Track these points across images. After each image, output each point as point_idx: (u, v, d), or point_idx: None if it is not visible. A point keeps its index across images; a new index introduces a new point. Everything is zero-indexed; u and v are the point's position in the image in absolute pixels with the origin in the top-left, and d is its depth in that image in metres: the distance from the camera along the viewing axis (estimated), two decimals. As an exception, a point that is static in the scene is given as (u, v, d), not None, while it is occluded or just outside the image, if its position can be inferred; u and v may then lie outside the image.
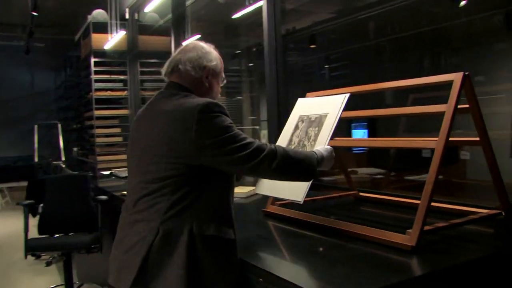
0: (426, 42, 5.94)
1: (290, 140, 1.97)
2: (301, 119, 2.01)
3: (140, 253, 1.40)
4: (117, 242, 1.55)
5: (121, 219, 1.59)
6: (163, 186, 1.43)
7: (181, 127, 1.43)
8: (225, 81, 1.72)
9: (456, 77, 1.65)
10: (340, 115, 1.79)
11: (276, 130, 3.37)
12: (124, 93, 6.39)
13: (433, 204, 2.05)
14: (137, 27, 6.27)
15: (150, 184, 1.47)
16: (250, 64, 8.68)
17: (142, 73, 6.48)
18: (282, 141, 2.00)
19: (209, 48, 1.66)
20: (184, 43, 1.69)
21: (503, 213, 1.85)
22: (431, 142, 1.63)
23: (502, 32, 5.06)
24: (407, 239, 1.54)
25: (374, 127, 6.67)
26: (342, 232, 1.75)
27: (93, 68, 6.31)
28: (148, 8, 4.58)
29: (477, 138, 1.77)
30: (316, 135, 1.83)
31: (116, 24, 5.77)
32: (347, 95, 1.81)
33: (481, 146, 1.77)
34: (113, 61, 6.53)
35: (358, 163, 5.21)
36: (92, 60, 6.39)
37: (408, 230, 1.59)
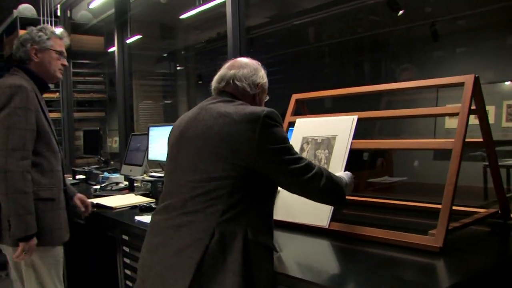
0: (366, 48, 6.16)
1: None
2: (306, 140, 2.02)
3: (195, 256, 1.33)
4: (156, 246, 1.47)
5: (161, 221, 1.50)
6: (220, 187, 1.39)
7: (245, 128, 1.41)
8: (267, 98, 1.76)
9: (467, 80, 1.68)
10: (352, 138, 1.86)
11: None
12: (56, 95, 5.96)
13: (418, 204, 2.16)
14: (70, 26, 5.89)
15: (205, 183, 1.42)
16: (179, 68, 8.51)
17: (75, 74, 6.09)
18: None
19: (258, 65, 1.70)
20: (236, 59, 1.72)
21: (499, 211, 1.92)
22: (448, 143, 1.65)
23: (438, 42, 5.37)
24: (432, 240, 1.54)
25: None
26: (356, 236, 1.72)
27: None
28: (93, 5, 4.31)
29: (481, 139, 1.82)
30: (328, 158, 1.88)
31: (50, 21, 5.37)
32: (355, 117, 1.89)
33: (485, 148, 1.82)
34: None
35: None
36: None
37: (430, 231, 1.59)
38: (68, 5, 5.79)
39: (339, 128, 1.92)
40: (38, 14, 5.72)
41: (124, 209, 2.56)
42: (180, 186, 1.48)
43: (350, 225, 1.78)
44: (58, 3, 5.72)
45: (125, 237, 2.26)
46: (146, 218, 2.21)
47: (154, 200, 2.80)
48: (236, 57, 3.27)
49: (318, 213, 1.83)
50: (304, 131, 2.06)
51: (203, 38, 7.84)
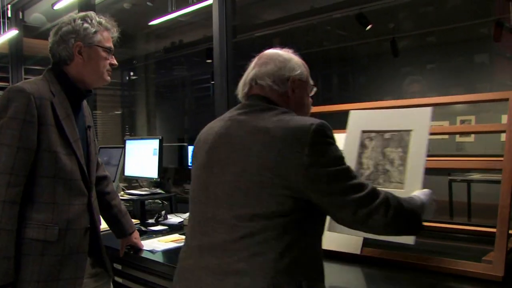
0: (333, 61, 6.15)
1: (360, 163, 1.64)
2: (368, 136, 1.67)
3: None
4: None
5: (195, 268, 1.20)
6: (267, 227, 1.11)
7: (289, 149, 1.13)
8: (315, 89, 1.42)
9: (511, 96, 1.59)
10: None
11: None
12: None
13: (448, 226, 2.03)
14: (22, 28, 5.45)
15: (247, 222, 1.13)
16: (134, 77, 8.19)
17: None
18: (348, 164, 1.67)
19: (288, 54, 1.37)
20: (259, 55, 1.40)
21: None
22: (497, 163, 1.55)
23: (406, 56, 5.44)
24: (491, 268, 1.42)
25: None
26: (394, 262, 1.58)
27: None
28: (58, 6, 3.95)
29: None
30: (403, 158, 1.56)
31: (1, 22, 4.93)
32: (432, 108, 1.57)
33: None
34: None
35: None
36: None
37: (485, 258, 1.48)
38: (20, 6, 5.35)
39: (414, 121, 1.58)
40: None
41: (106, 232, 2.24)
42: (215, 223, 1.19)
43: (384, 250, 1.64)
44: (9, 3, 5.28)
45: (118, 266, 1.99)
46: (145, 244, 1.97)
47: (138, 221, 2.54)
48: (222, 63, 3.15)
49: (347, 240, 1.66)
50: (364, 124, 1.69)
51: (160, 48, 7.59)
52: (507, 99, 1.59)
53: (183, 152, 6.80)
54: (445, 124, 4.27)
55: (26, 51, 5.56)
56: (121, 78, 8.22)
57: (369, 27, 5.23)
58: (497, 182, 1.66)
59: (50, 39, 1.67)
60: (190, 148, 6.56)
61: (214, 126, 1.34)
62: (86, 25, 1.63)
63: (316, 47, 6.14)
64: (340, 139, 1.85)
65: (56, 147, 1.54)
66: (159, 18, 4.24)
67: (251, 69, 1.36)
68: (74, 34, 1.62)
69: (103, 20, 1.68)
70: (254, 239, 1.11)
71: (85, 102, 1.78)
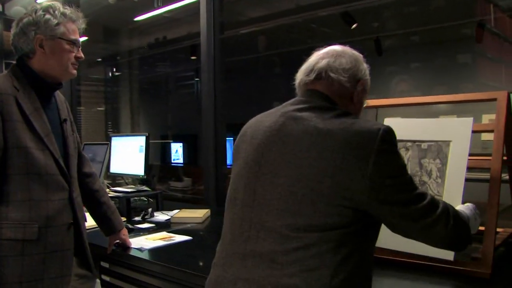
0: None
1: None
2: (403, 145, 1.62)
3: None
4: None
5: (238, 279, 1.09)
6: (323, 239, 1.02)
7: (353, 156, 1.04)
8: (366, 103, 1.33)
9: (500, 96, 1.61)
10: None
11: (212, 146, 3.08)
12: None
13: None
14: (2, 22, 5.35)
15: (302, 233, 1.03)
16: (117, 73, 8.10)
17: (8, 75, 5.53)
18: None
19: (359, 55, 1.28)
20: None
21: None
22: (485, 162, 1.57)
23: (391, 55, 5.48)
24: (478, 265, 1.44)
25: (195, 142, 6.73)
26: (391, 261, 1.58)
27: None
28: (41, -1, 3.89)
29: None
30: (442, 170, 1.52)
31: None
32: (472, 119, 1.53)
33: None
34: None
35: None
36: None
37: (473, 255, 1.50)
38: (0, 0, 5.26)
39: (454, 131, 1.53)
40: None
41: (92, 229, 2.20)
42: (262, 230, 1.08)
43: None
44: (-12, -4, 5.18)
45: (105, 264, 1.97)
46: (133, 242, 1.95)
47: (125, 219, 2.51)
48: (209, 59, 3.13)
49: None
50: (400, 133, 1.60)
51: (144, 44, 7.51)
52: (495, 99, 1.61)
53: (166, 149, 6.78)
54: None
55: (7, 44, 5.46)
56: (105, 74, 8.13)
57: (354, 25, 5.26)
58: (483, 180, 1.69)
59: (12, 30, 1.59)
60: (174, 145, 6.55)
61: (264, 120, 1.22)
62: (48, 16, 1.56)
63: (301, 44, 6.15)
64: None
65: (26, 142, 1.49)
66: (145, 13, 4.21)
67: (319, 59, 1.24)
68: (34, 26, 1.55)
69: (68, 11, 1.60)
70: (308, 252, 1.02)
71: (60, 95, 1.73)
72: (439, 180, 1.54)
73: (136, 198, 3.04)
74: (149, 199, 3.18)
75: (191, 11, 5.26)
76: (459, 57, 4.98)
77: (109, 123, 7.32)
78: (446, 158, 1.55)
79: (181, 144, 6.46)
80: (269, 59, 6.67)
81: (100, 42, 6.84)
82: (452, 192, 1.50)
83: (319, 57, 1.25)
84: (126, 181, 3.27)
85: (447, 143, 1.56)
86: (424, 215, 1.08)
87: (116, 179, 3.61)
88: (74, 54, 1.62)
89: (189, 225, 2.39)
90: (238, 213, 1.16)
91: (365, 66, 1.27)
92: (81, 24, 1.66)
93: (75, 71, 1.65)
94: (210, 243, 2.03)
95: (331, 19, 5.39)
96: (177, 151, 6.54)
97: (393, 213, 1.07)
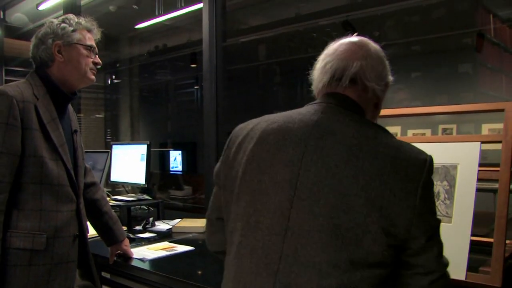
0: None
1: None
2: None
3: None
4: None
5: None
6: (363, 280, 0.91)
7: (402, 188, 0.93)
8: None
9: (508, 106, 1.59)
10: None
11: (214, 154, 3.05)
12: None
13: None
14: (3, 28, 5.34)
15: (342, 271, 0.91)
16: (116, 81, 8.10)
17: (8, 82, 5.51)
18: None
19: (382, 51, 1.18)
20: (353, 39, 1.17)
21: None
22: (493, 173, 1.55)
23: (390, 64, 5.47)
24: (488, 278, 1.42)
25: (195, 150, 6.71)
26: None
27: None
28: (43, 6, 3.87)
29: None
30: (450, 192, 1.52)
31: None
32: (479, 143, 1.53)
33: None
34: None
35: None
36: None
37: (482, 268, 1.48)
38: (1, 6, 5.26)
39: (461, 155, 1.55)
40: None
41: (93, 239, 2.18)
42: (295, 263, 0.93)
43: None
44: (-11, 2, 5.18)
45: (106, 275, 1.94)
46: (134, 252, 1.92)
47: (125, 228, 2.48)
48: (211, 67, 3.10)
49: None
50: None
51: (143, 51, 7.52)
52: (502, 110, 1.60)
53: (166, 157, 6.75)
54: (427, 133, 4.32)
55: (7, 52, 5.45)
56: (104, 81, 8.12)
57: (354, 34, 5.27)
58: (490, 191, 1.67)
59: (31, 44, 1.64)
60: (173, 153, 6.52)
61: (292, 128, 1.03)
62: (64, 24, 1.61)
63: (301, 53, 6.15)
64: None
65: (42, 152, 1.49)
66: (146, 21, 4.20)
67: (350, 60, 1.08)
68: (52, 34, 1.59)
69: (83, 21, 1.65)
70: None
71: (70, 107, 1.73)
72: (447, 202, 1.53)
73: (136, 207, 3.02)
74: (150, 208, 3.15)
75: (191, 19, 5.27)
76: (460, 66, 4.98)
77: (108, 130, 7.30)
78: (454, 180, 1.54)
79: (179, 152, 6.44)
80: (270, 67, 6.67)
81: (100, 49, 6.84)
82: (462, 213, 1.49)
83: (347, 57, 1.09)
84: (126, 189, 3.24)
85: (454, 166, 1.56)
86: (441, 244, 1.01)
87: (116, 187, 3.58)
88: (91, 60, 1.64)
89: (190, 235, 2.37)
90: (263, 241, 0.98)
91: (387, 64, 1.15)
92: (97, 34, 1.70)
93: (93, 77, 1.67)
94: (212, 253, 2.01)
95: (332, 28, 5.39)
96: (175, 159, 6.51)
97: (429, 253, 0.97)
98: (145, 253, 1.95)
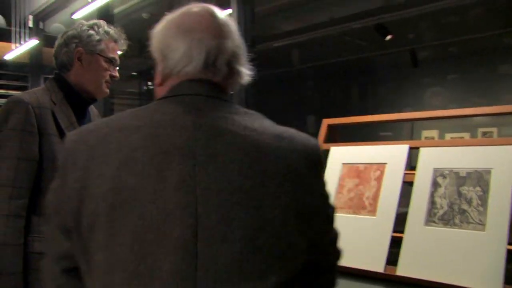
0: (352, 72, 6.09)
1: (432, 202, 1.53)
2: (440, 173, 1.56)
3: None
4: None
5: None
6: None
7: (310, 182, 0.83)
8: None
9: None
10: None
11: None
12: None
13: None
14: (43, 38, 5.51)
15: None
16: (151, 87, 8.22)
17: (47, 90, 5.67)
18: (419, 203, 1.55)
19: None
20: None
21: None
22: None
23: (427, 67, 5.35)
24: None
25: None
26: (428, 284, 1.49)
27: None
28: (77, 15, 3.99)
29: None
30: (483, 198, 1.43)
31: (20, 32, 5.01)
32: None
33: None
34: (11, 74, 5.65)
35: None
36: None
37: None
38: (41, 17, 5.43)
39: (495, 159, 1.47)
40: (9, 25, 5.34)
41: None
42: None
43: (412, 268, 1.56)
44: (30, 14, 5.36)
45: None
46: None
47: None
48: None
49: (371, 255, 1.59)
50: (436, 161, 1.59)
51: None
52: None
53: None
54: (465, 137, 4.18)
55: (46, 60, 5.62)
56: (139, 87, 8.27)
57: (388, 37, 5.17)
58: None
59: (56, 42, 1.64)
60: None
61: (165, 133, 0.79)
62: (91, 32, 1.59)
63: (334, 57, 6.09)
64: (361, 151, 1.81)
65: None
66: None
67: (211, 38, 0.87)
68: (77, 39, 1.59)
69: (111, 31, 1.64)
70: None
71: (94, 110, 1.75)
72: (480, 208, 1.44)
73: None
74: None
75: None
76: (500, 67, 4.81)
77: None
78: (488, 185, 1.45)
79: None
80: (303, 72, 6.63)
81: (135, 56, 6.95)
82: (497, 220, 1.41)
83: (217, 34, 0.89)
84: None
85: (488, 170, 1.48)
86: (336, 264, 0.95)
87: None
88: (109, 73, 1.64)
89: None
90: None
91: None
92: (123, 45, 1.69)
93: (107, 90, 1.66)
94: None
95: (365, 31, 5.31)
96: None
97: (324, 262, 0.90)
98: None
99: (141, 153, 0.77)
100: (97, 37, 1.59)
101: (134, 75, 8.14)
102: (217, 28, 0.89)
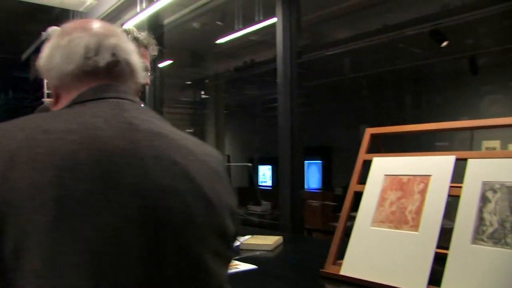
0: (406, 80, 5.90)
1: (481, 218, 1.41)
2: (490, 187, 1.45)
3: None
4: None
5: None
6: None
7: (227, 185, 0.82)
8: None
9: None
10: None
11: (289, 168, 2.98)
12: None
13: None
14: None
15: None
16: (204, 96, 8.34)
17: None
18: (465, 219, 1.44)
19: None
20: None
21: None
22: None
23: (487, 74, 5.09)
24: None
25: (329, 158, 6.52)
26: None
27: (46, 91, 5.61)
28: (126, 26, 4.10)
29: None
30: None
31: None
32: None
33: None
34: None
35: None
36: (46, 81, 5.70)
37: None
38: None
39: None
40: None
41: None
42: None
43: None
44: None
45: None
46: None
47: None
48: (285, 82, 3.05)
49: (412, 273, 1.49)
50: (485, 173, 1.48)
51: (231, 67, 7.67)
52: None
53: (255, 172, 6.80)
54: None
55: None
56: (194, 96, 8.40)
57: (444, 43, 4.97)
58: None
59: None
60: (262, 168, 6.55)
61: (114, 154, 0.68)
62: None
63: (388, 66, 5.92)
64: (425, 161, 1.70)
65: None
66: (224, 36, 4.26)
67: (104, 36, 0.82)
68: None
69: (141, 37, 1.62)
70: None
71: None
72: None
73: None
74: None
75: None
76: None
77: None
78: None
79: (269, 167, 6.43)
80: (355, 81, 6.49)
81: (188, 66, 7.08)
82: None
83: (104, 35, 0.84)
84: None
85: None
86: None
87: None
88: None
89: (258, 253, 2.30)
90: None
91: None
92: (153, 50, 1.68)
93: (137, 98, 1.64)
94: (275, 274, 1.93)
95: (419, 38, 5.13)
96: (264, 174, 6.53)
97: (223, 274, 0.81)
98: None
99: (85, 186, 0.64)
100: None
101: (188, 84, 8.28)
102: (107, 28, 0.86)
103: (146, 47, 1.64)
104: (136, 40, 1.61)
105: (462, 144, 4.24)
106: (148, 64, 1.65)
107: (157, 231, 0.65)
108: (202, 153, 0.79)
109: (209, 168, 0.77)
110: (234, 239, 0.81)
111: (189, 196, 0.70)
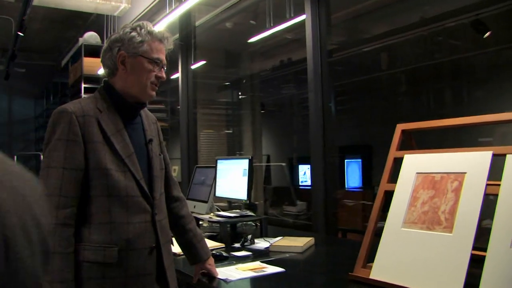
0: (445, 74, 5.67)
1: None
2: None
3: None
4: None
5: None
6: None
7: None
8: None
9: None
10: None
11: (322, 167, 2.90)
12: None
13: None
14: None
15: None
16: (242, 96, 8.31)
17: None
18: (504, 219, 1.34)
19: None
20: None
21: None
22: None
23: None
24: None
25: (369, 156, 6.35)
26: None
27: (83, 95, 5.74)
28: (157, 28, 4.12)
29: None
30: None
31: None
32: None
33: None
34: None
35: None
36: (83, 86, 5.83)
37: None
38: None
39: None
40: (103, 42, 5.67)
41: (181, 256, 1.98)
42: None
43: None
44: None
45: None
46: (221, 272, 1.84)
47: (223, 245, 2.44)
48: (316, 79, 2.98)
49: (446, 278, 1.39)
50: None
51: (267, 66, 7.61)
52: None
53: (295, 171, 6.72)
54: None
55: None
56: (232, 97, 8.39)
57: (487, 34, 4.73)
58: None
59: (102, 50, 1.62)
60: (302, 167, 6.45)
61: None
62: (133, 33, 1.54)
63: (427, 60, 5.71)
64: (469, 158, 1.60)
65: (106, 164, 1.48)
66: (256, 35, 4.21)
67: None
68: (119, 42, 1.54)
69: (155, 30, 1.57)
70: None
71: (151, 116, 1.72)
72: None
73: (243, 222, 2.97)
74: (257, 224, 3.08)
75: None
76: None
77: (236, 145, 7.51)
78: None
79: (309, 166, 6.32)
80: (393, 76, 6.30)
81: (222, 66, 7.07)
82: None
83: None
84: (233, 204, 3.22)
85: None
86: None
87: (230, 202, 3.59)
88: (155, 74, 1.58)
89: (287, 255, 2.23)
90: None
91: None
92: (169, 44, 1.63)
93: (153, 93, 1.60)
94: (302, 277, 1.86)
95: (460, 30, 4.92)
96: (305, 173, 6.45)
97: None
98: (231, 273, 1.87)
99: None
100: (139, 39, 1.53)
101: (225, 85, 8.29)
102: None
103: (161, 40, 1.58)
104: (150, 34, 1.56)
105: (504, 138, 4.03)
106: (164, 59, 1.60)
107: None
108: None
109: None
110: None
111: None
